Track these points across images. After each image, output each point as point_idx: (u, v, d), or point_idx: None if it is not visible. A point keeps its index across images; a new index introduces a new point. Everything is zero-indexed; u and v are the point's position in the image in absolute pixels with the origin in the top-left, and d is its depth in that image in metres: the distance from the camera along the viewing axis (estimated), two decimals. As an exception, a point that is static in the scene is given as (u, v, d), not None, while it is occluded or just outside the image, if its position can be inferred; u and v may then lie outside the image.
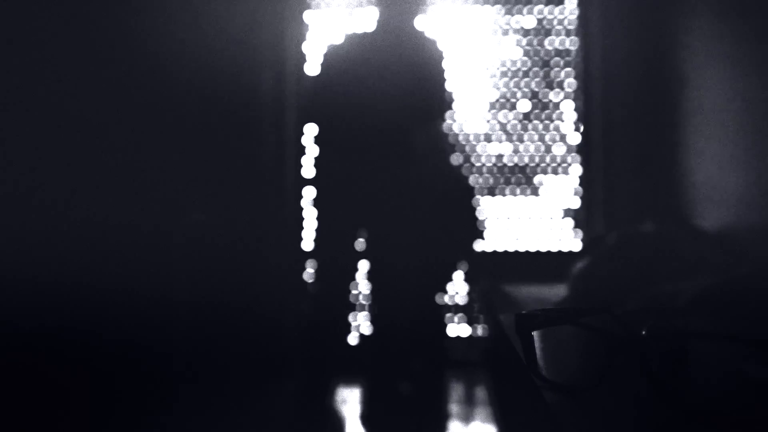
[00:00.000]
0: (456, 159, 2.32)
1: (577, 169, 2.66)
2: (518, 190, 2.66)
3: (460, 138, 2.66)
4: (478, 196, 2.26)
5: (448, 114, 2.25)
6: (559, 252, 2.62)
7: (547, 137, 2.67)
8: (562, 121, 2.67)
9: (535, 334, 0.51)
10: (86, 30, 2.51)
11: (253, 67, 2.53)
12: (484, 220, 2.34)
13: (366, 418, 2.00)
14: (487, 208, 2.64)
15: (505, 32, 2.69)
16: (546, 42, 2.69)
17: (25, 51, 2.52)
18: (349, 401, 2.19)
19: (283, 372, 2.45)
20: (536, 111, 2.67)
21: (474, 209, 2.18)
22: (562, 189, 2.66)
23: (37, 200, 2.42)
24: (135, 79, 2.47)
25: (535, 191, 2.66)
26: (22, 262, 2.30)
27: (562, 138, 2.67)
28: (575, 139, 2.66)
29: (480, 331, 2.61)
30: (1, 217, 2.38)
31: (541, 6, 2.69)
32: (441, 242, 2.06)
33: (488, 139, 2.67)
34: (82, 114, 2.49)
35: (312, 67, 2.22)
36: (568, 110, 2.67)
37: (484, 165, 2.66)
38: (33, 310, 2.21)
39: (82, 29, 2.50)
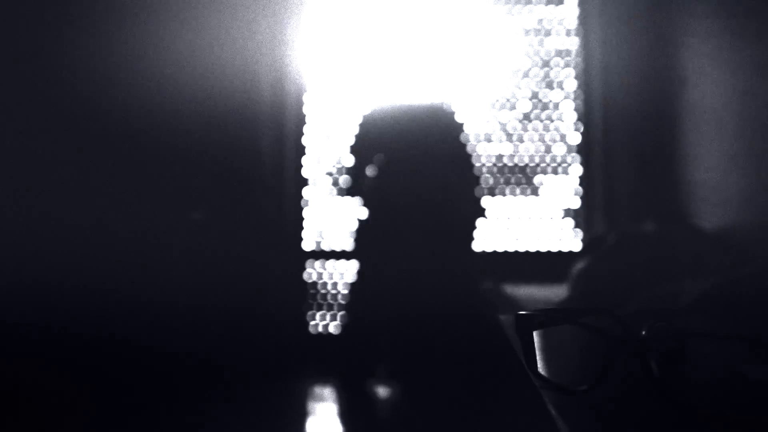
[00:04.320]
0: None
1: (577, 169, 2.65)
2: (518, 190, 2.66)
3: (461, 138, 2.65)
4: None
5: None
6: (559, 252, 2.62)
7: (547, 137, 2.67)
8: (562, 121, 2.67)
9: (535, 334, 0.51)
10: (99, 40, 2.51)
11: (252, 67, 2.53)
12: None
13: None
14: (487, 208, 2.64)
15: (505, 32, 2.69)
16: (546, 42, 2.68)
17: (25, 58, 2.52)
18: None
19: (283, 372, 2.45)
20: (536, 111, 2.67)
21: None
22: (562, 189, 2.66)
23: (38, 202, 2.42)
24: (134, 80, 2.47)
25: (535, 191, 2.66)
26: (21, 265, 2.29)
27: (562, 138, 2.66)
28: (575, 139, 2.66)
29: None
30: (2, 218, 2.38)
31: (541, 6, 2.69)
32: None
33: (488, 139, 2.67)
34: (83, 115, 2.49)
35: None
36: (568, 110, 2.66)
37: (484, 165, 2.66)
38: (33, 312, 2.21)
39: (94, 42, 2.50)
